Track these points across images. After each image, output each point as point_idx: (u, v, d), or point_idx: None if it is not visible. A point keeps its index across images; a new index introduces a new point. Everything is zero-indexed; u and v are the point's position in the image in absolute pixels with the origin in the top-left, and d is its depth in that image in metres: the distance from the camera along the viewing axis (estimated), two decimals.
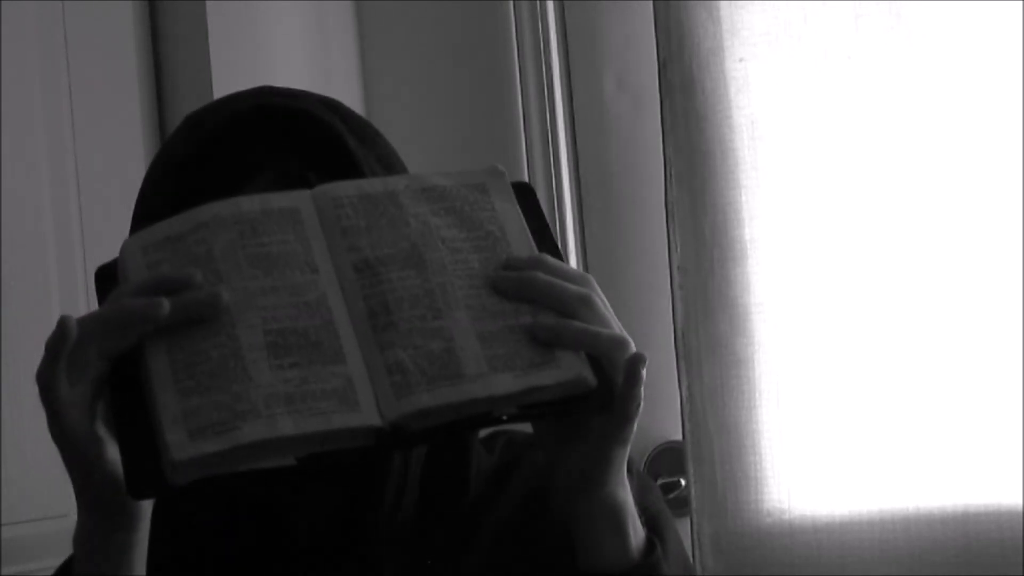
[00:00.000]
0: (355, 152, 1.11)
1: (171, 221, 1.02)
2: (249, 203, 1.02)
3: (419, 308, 0.98)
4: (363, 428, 0.94)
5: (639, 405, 1.00)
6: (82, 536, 1.03)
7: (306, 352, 0.96)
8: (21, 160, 1.80)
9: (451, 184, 1.05)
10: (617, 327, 1.00)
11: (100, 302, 1.02)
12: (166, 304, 0.96)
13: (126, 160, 1.90)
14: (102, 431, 0.98)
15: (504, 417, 1.00)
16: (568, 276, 1.01)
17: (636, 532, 1.06)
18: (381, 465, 1.12)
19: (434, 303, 0.98)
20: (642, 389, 0.99)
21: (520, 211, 1.04)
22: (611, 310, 1.01)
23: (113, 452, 0.97)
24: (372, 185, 1.04)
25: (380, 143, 1.16)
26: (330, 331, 0.97)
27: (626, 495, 1.05)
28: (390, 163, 1.14)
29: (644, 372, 0.99)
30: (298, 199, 1.03)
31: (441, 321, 0.97)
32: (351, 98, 1.94)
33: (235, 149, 1.10)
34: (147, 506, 1.02)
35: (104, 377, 0.98)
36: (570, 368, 0.97)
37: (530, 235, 1.03)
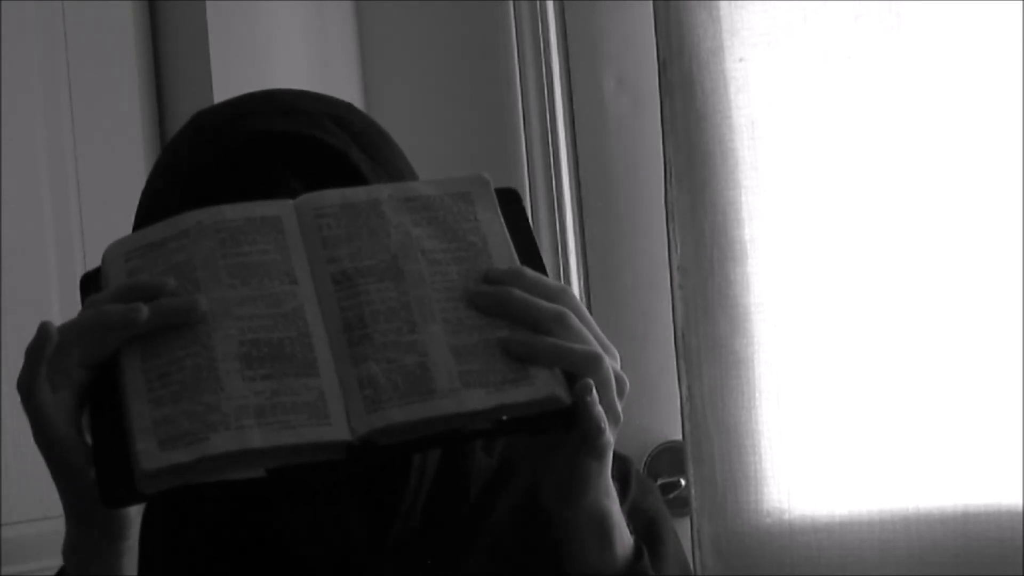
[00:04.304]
0: (367, 178, 1.11)
1: (154, 227, 1.02)
2: (232, 211, 1.01)
3: (395, 321, 0.97)
4: (333, 442, 0.93)
5: (601, 425, 0.98)
6: (71, 547, 1.02)
7: (279, 364, 0.95)
8: (21, 160, 1.80)
9: (435, 193, 1.04)
10: (594, 343, 0.99)
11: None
12: (144, 309, 0.96)
13: (126, 160, 1.90)
14: (87, 439, 0.97)
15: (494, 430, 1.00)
16: (545, 291, 1.00)
17: (623, 540, 1.05)
18: (399, 481, 1.12)
19: (410, 316, 0.98)
20: (599, 411, 0.97)
21: (503, 221, 1.04)
22: (592, 324, 1.01)
23: None
24: (356, 194, 1.04)
25: (391, 156, 1.15)
26: (305, 343, 0.97)
27: (611, 503, 1.05)
28: (400, 177, 1.14)
29: (594, 396, 0.97)
30: (281, 208, 1.02)
31: (416, 335, 0.97)
32: (351, 98, 1.94)
33: (243, 177, 1.09)
34: (136, 515, 1.01)
35: (85, 386, 0.97)
36: (544, 386, 0.96)
37: (512, 246, 1.03)
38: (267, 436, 0.92)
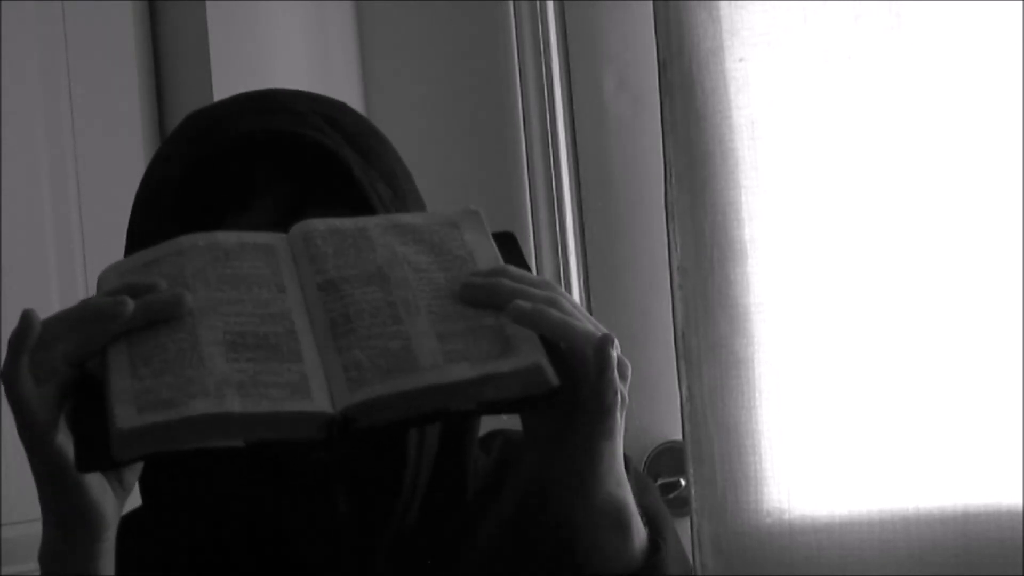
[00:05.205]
0: (359, 179, 1.11)
1: (149, 250, 1.03)
2: (225, 237, 1.03)
3: (380, 317, 0.98)
4: (313, 414, 0.93)
5: (616, 393, 0.98)
6: (48, 551, 1.02)
7: (263, 351, 0.96)
8: (21, 160, 1.80)
9: (423, 222, 1.06)
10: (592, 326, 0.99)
11: None
12: (130, 302, 0.95)
13: (126, 160, 1.90)
14: (67, 434, 0.97)
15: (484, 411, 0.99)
16: (533, 284, 1.00)
17: (639, 532, 1.05)
18: (394, 475, 1.12)
19: (395, 312, 0.98)
20: (616, 376, 0.97)
21: (493, 242, 1.04)
22: (584, 312, 1.00)
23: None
24: (343, 223, 1.06)
25: (385, 157, 1.15)
26: (291, 338, 0.97)
27: (626, 494, 1.04)
28: (393, 178, 1.14)
29: (615, 353, 0.96)
30: (273, 238, 1.04)
31: (400, 326, 0.97)
32: (351, 98, 1.94)
33: (235, 174, 1.09)
34: (113, 516, 1.01)
35: (71, 384, 0.96)
36: (527, 356, 0.95)
37: (500, 259, 1.03)
38: (246, 404, 0.92)
